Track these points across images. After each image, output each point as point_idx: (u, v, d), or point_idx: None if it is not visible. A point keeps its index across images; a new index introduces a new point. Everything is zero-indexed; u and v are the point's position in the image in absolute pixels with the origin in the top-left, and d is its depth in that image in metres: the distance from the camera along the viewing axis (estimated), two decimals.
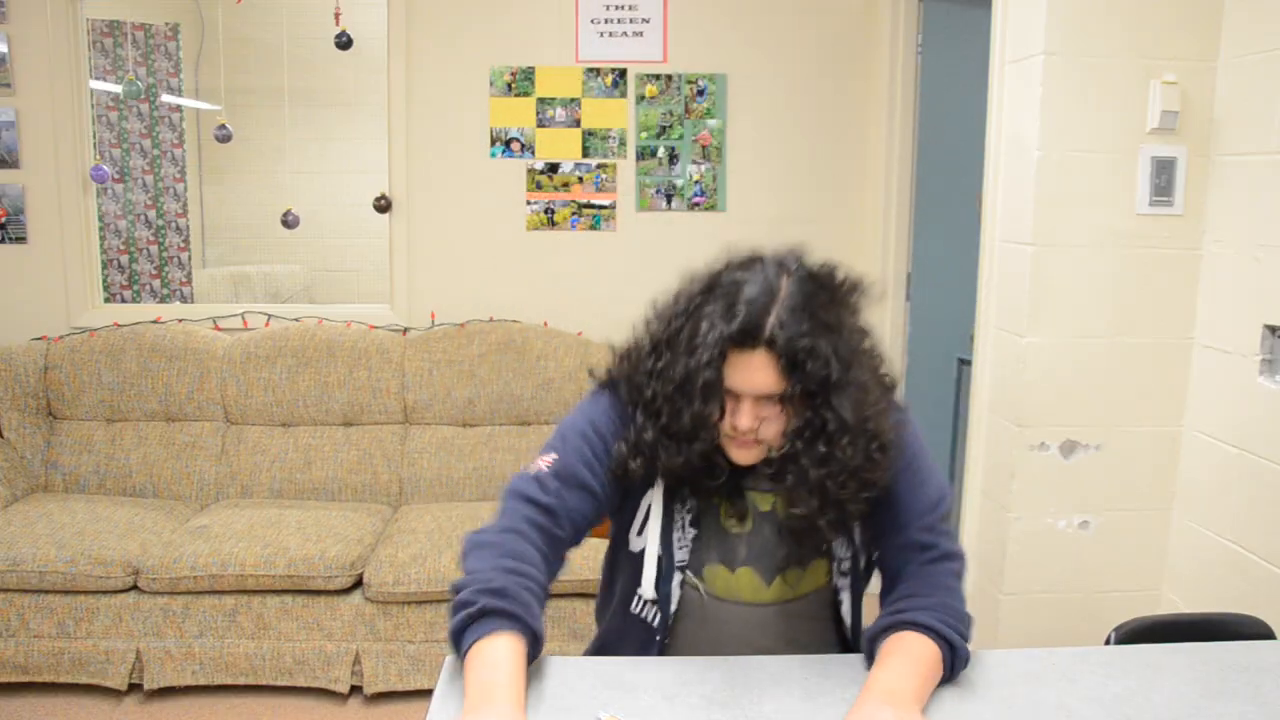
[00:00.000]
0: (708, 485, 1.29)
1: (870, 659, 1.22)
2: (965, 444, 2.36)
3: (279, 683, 2.67)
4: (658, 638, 1.34)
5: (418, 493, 3.16)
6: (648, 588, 1.32)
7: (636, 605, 1.36)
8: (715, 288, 1.23)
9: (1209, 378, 2.04)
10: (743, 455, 1.26)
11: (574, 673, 1.22)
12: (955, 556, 1.30)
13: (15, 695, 2.64)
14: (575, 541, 1.31)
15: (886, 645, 1.20)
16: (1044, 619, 2.15)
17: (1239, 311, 1.94)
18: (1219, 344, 2.01)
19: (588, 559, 2.49)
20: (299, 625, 2.66)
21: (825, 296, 1.22)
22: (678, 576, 1.33)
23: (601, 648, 1.45)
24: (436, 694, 1.17)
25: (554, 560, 1.28)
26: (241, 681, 2.67)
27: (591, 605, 1.74)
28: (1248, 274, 1.92)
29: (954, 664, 1.20)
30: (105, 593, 2.63)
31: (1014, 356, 2.10)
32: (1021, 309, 2.07)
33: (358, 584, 2.69)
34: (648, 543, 1.32)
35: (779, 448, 1.24)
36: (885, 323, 3.41)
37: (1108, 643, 1.48)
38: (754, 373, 1.18)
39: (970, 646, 1.24)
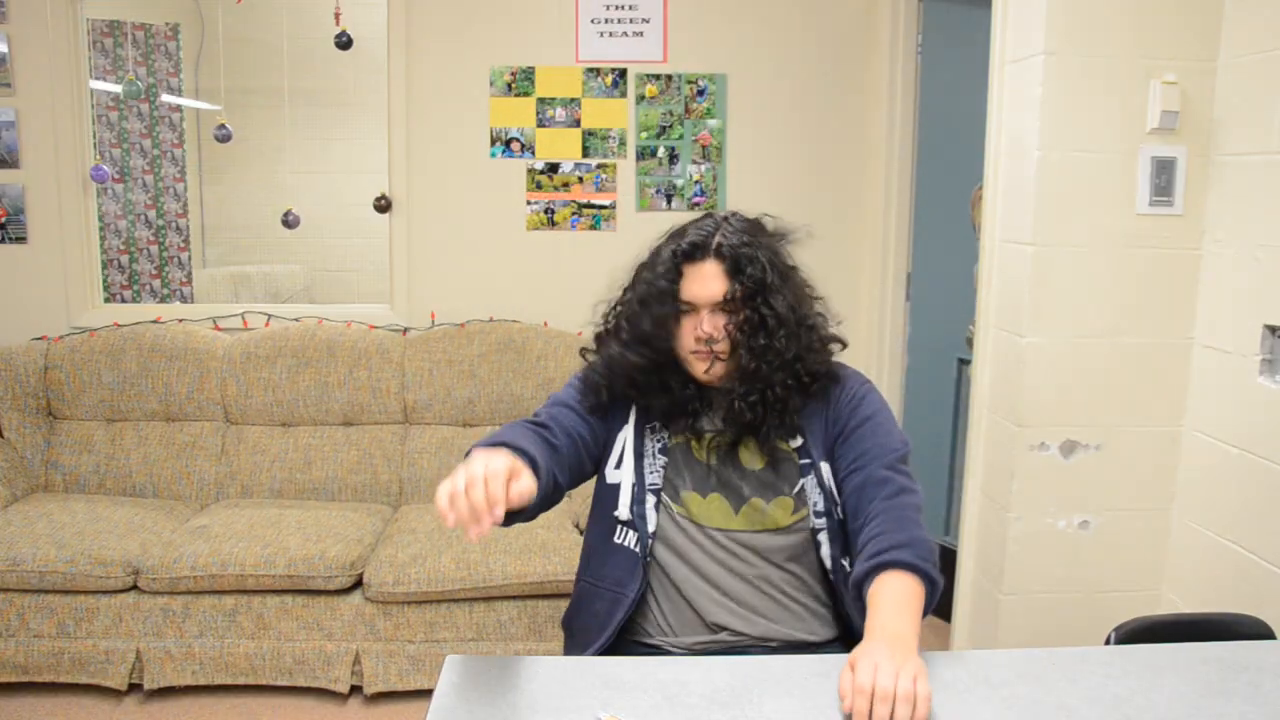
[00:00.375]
0: (677, 414, 1.47)
1: (860, 601, 1.33)
2: (965, 444, 2.36)
3: (279, 683, 2.67)
4: (640, 560, 1.46)
5: (418, 493, 3.16)
6: (623, 509, 1.47)
7: (619, 535, 1.48)
8: (669, 234, 1.51)
9: (1209, 378, 2.04)
10: (704, 369, 1.45)
11: (574, 673, 1.22)
12: (914, 491, 1.44)
13: (15, 695, 2.65)
14: (573, 462, 1.45)
15: (875, 587, 1.30)
16: (1044, 619, 2.15)
17: (1239, 311, 1.94)
18: (1219, 344, 2.01)
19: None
20: (299, 625, 2.66)
21: (762, 229, 1.51)
22: (651, 499, 1.47)
23: (582, 581, 1.55)
24: (436, 694, 1.17)
25: (551, 458, 1.40)
26: (241, 681, 2.67)
27: None
28: (1248, 274, 1.92)
29: (932, 595, 1.33)
30: (105, 593, 2.63)
31: (1014, 356, 2.10)
32: (1021, 309, 2.07)
33: (358, 584, 2.69)
34: (623, 473, 1.48)
35: (728, 350, 1.43)
36: (885, 323, 3.41)
37: (1108, 643, 1.48)
38: (706, 280, 1.41)
39: (971, 647, 1.26)
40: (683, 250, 1.43)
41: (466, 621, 2.68)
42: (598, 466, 1.53)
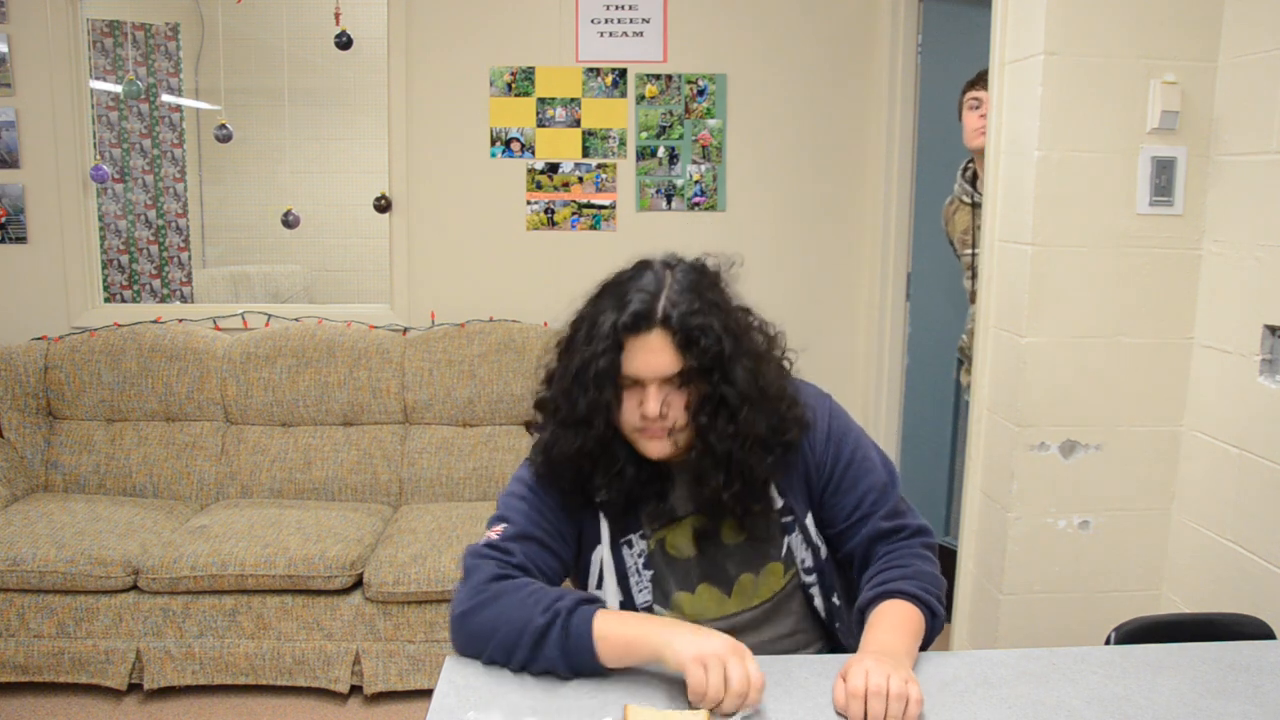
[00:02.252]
0: (641, 499, 1.34)
1: (861, 627, 1.30)
2: (965, 444, 2.36)
3: (279, 683, 2.67)
4: None
5: (418, 493, 3.16)
6: (611, 601, 1.37)
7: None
8: (606, 290, 1.31)
9: (1209, 378, 2.04)
10: (654, 448, 1.29)
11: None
12: (924, 531, 1.38)
13: (15, 695, 2.65)
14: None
15: (875, 613, 1.29)
16: (1044, 619, 2.15)
17: (1239, 311, 1.94)
18: (1219, 344, 2.01)
19: None
20: (299, 625, 2.66)
21: (708, 281, 1.31)
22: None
23: None
24: (436, 694, 1.17)
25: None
26: (241, 681, 2.67)
27: None
28: (1248, 274, 1.92)
29: (933, 628, 1.30)
30: (105, 593, 2.63)
31: (1014, 356, 2.10)
32: (1021, 309, 2.07)
33: (358, 584, 2.69)
34: (607, 594, 1.37)
35: (684, 429, 1.28)
36: (885, 323, 3.42)
37: (1108, 643, 1.48)
38: (652, 355, 1.23)
39: (972, 647, 1.26)
40: (624, 323, 1.22)
41: None
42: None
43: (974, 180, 2.70)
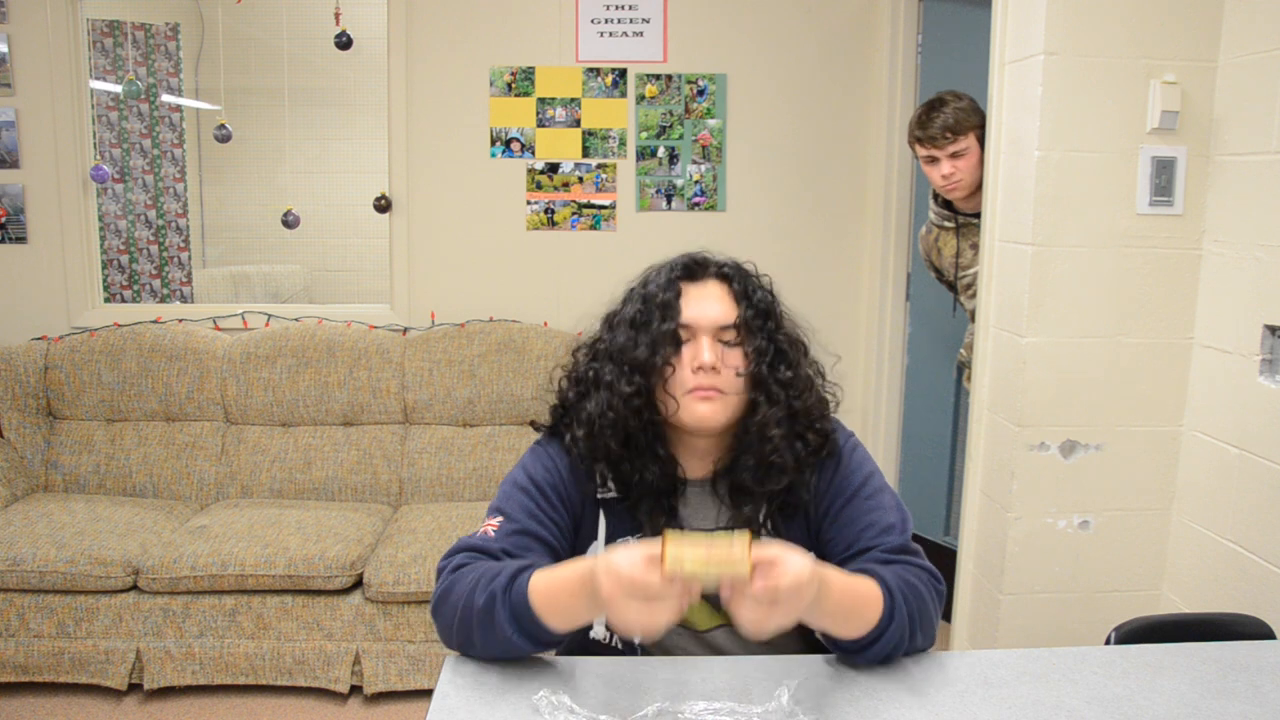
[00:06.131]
0: (661, 494, 1.31)
1: None
2: (965, 444, 2.36)
3: (279, 683, 2.67)
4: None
5: (418, 493, 3.16)
6: (598, 628, 1.36)
7: (611, 639, 1.38)
8: (647, 271, 1.35)
9: (1209, 378, 2.04)
10: (706, 410, 1.26)
11: (575, 672, 1.22)
12: (931, 570, 1.29)
13: (15, 695, 2.65)
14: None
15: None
16: (1044, 619, 2.15)
17: (1239, 311, 1.94)
18: (1219, 344, 2.01)
19: None
20: (299, 625, 2.66)
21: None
22: None
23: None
24: (436, 694, 1.17)
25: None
26: (241, 681, 2.67)
27: None
28: (1248, 274, 1.92)
29: (890, 625, 1.18)
30: (105, 593, 2.64)
31: (1014, 356, 2.10)
32: (1021, 309, 2.07)
33: (358, 584, 2.69)
34: None
35: (737, 393, 1.27)
36: (885, 323, 3.41)
37: (1108, 643, 1.48)
38: (709, 301, 1.26)
39: (971, 647, 1.24)
40: (681, 267, 1.26)
41: None
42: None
43: (947, 204, 2.68)
